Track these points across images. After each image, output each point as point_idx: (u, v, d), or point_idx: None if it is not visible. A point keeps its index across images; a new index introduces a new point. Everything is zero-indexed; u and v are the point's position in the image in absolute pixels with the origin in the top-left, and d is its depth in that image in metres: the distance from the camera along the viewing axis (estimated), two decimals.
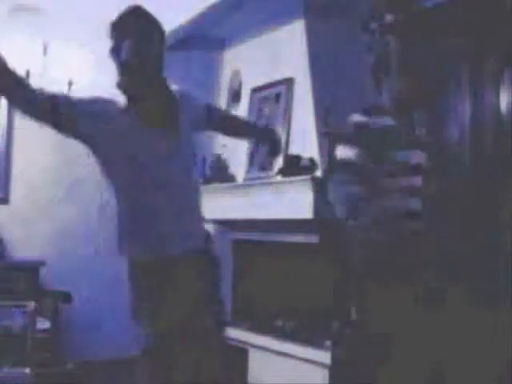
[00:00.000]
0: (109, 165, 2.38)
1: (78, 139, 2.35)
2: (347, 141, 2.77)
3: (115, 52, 2.42)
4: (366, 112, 2.80)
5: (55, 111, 2.25)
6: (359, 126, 2.74)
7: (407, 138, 2.73)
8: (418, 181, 2.72)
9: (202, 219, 2.55)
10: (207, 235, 2.55)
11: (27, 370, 3.62)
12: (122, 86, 2.39)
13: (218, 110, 2.92)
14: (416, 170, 2.70)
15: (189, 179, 2.51)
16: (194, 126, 2.56)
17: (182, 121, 2.47)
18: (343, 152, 2.82)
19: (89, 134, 2.31)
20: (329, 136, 4.00)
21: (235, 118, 3.13)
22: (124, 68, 2.39)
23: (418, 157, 2.72)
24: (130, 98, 2.38)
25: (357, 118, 2.78)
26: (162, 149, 2.37)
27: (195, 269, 2.41)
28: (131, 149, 2.33)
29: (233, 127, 2.89)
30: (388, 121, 2.74)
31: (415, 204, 2.71)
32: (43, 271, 4.67)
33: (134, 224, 2.39)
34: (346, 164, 2.78)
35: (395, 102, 2.79)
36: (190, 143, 2.52)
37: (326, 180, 3.50)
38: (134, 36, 2.38)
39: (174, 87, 2.54)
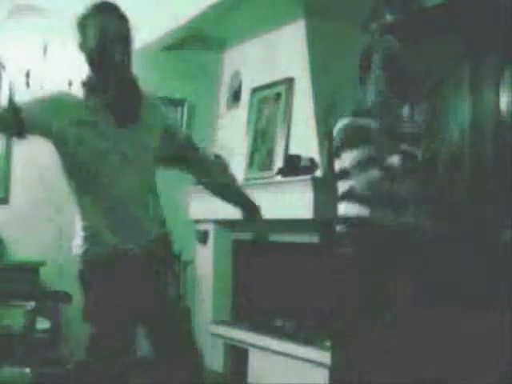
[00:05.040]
0: (71, 161, 2.34)
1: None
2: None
3: (84, 45, 2.43)
4: (354, 114, 2.83)
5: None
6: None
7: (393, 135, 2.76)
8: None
9: (156, 219, 2.47)
10: (163, 234, 2.49)
11: (27, 370, 3.62)
12: (91, 75, 2.38)
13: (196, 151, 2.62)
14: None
15: (148, 178, 2.45)
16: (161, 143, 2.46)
17: (150, 126, 2.41)
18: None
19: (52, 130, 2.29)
20: (329, 136, 4.01)
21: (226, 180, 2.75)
22: (92, 56, 2.38)
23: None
24: (95, 91, 2.34)
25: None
26: (123, 147, 2.33)
27: (144, 266, 2.38)
28: (92, 144, 2.29)
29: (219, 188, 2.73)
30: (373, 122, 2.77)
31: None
32: (43, 271, 4.67)
33: (90, 221, 2.41)
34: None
35: (379, 100, 2.80)
36: (152, 148, 2.43)
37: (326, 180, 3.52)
38: (100, 23, 2.37)
39: (151, 95, 2.50)
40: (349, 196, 2.77)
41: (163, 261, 2.46)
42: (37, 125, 2.27)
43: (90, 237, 2.40)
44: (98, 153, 2.30)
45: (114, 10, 2.42)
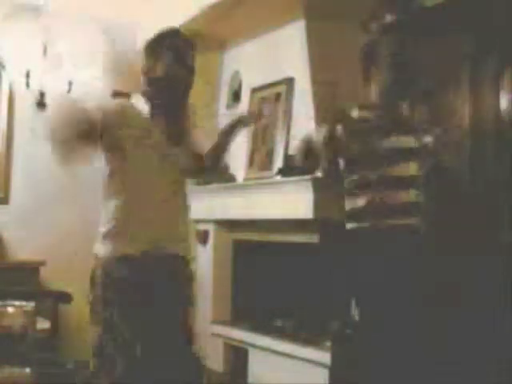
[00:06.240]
0: (117, 166, 2.47)
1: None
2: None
3: (149, 69, 2.51)
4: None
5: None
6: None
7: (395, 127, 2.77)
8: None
9: (184, 229, 2.63)
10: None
11: (27, 370, 3.62)
12: (148, 95, 2.51)
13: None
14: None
15: (182, 193, 2.62)
16: None
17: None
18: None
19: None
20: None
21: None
22: (155, 84, 2.49)
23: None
24: (152, 107, 2.50)
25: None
26: (168, 159, 2.50)
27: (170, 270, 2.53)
28: (144, 153, 2.45)
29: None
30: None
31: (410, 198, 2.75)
32: (43, 271, 4.67)
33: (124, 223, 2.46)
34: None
35: (382, 95, 2.81)
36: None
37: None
38: (170, 57, 2.47)
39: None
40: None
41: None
42: (112, 135, 2.41)
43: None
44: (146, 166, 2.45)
45: (189, 47, 2.55)
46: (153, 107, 2.50)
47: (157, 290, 2.46)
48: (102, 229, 2.48)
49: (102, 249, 2.46)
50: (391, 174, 2.71)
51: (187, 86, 2.55)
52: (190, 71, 2.54)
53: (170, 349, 2.44)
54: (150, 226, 2.44)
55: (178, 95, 2.53)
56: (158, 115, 2.49)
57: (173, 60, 2.47)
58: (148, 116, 2.50)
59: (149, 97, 2.51)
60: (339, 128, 2.78)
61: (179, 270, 2.58)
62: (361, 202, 2.74)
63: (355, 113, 2.81)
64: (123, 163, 2.44)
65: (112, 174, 2.49)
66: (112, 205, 2.46)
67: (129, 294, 2.40)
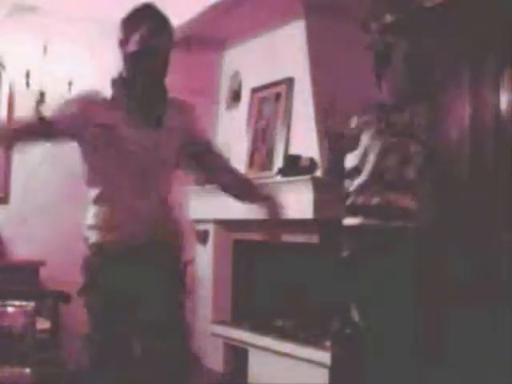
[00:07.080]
0: (93, 155, 2.43)
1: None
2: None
3: (123, 44, 2.40)
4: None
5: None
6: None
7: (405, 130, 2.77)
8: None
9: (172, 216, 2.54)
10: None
11: (27, 370, 3.62)
12: (124, 74, 2.41)
13: (217, 157, 2.68)
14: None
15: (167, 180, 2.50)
16: (182, 145, 2.52)
17: (172, 128, 2.46)
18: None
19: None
20: (329, 136, 4.01)
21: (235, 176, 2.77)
22: (129, 59, 2.38)
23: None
24: (125, 89, 2.39)
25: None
26: (145, 145, 2.37)
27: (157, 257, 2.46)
28: (116, 142, 2.35)
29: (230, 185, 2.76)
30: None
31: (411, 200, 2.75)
32: (43, 271, 4.67)
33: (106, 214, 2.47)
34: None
35: (394, 96, 2.81)
36: (175, 150, 2.49)
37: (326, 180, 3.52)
38: (144, 30, 2.35)
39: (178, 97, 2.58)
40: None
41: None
42: (66, 129, 2.37)
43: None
44: (123, 154, 2.35)
45: (162, 21, 2.42)
46: (124, 92, 2.39)
47: (143, 277, 2.42)
48: (89, 216, 2.50)
49: (91, 235, 2.47)
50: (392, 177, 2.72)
51: (164, 61, 2.41)
52: (167, 44, 2.40)
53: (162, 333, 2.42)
54: (134, 215, 2.40)
55: (154, 70, 2.38)
56: (130, 94, 2.38)
57: (147, 31, 2.35)
58: (116, 100, 2.39)
59: (119, 77, 2.41)
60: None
61: (167, 258, 2.50)
62: (363, 199, 2.75)
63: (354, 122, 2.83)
64: (99, 160, 2.40)
65: (90, 169, 2.47)
66: (93, 194, 2.46)
67: (116, 280, 2.42)
